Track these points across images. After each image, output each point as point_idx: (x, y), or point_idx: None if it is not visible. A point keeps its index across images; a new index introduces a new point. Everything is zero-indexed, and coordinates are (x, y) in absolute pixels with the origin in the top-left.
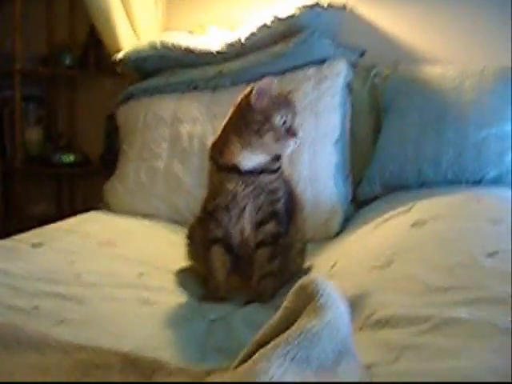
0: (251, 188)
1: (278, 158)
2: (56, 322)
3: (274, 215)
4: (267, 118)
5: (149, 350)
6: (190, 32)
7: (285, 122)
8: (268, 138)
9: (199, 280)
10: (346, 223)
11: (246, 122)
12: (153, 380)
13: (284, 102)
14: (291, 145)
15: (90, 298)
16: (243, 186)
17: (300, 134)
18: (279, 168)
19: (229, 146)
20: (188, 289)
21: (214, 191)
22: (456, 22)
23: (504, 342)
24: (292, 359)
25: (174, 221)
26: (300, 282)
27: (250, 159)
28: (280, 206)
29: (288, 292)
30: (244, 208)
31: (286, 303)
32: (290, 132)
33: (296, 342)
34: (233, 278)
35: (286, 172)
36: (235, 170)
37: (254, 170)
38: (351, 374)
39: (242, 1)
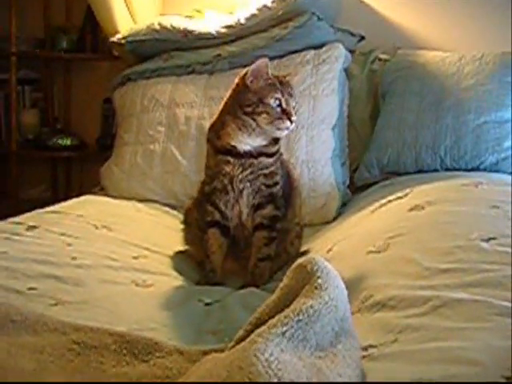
0: (248, 171)
1: (275, 141)
2: (52, 303)
3: (271, 199)
4: (261, 99)
5: (144, 332)
6: (188, 16)
7: (280, 104)
8: (262, 119)
9: (195, 264)
10: (343, 208)
11: (240, 104)
12: (149, 361)
13: (279, 83)
14: (286, 127)
15: (86, 280)
16: (240, 169)
17: (295, 117)
18: (277, 151)
19: (225, 128)
20: (184, 272)
21: (212, 174)
22: (455, 7)
23: (502, 322)
24: (290, 338)
25: (170, 204)
26: (298, 261)
27: (245, 141)
28: (277, 189)
29: (284, 276)
30: (241, 191)
31: (283, 282)
32: (285, 114)
33: (294, 321)
34: (229, 261)
35: (285, 156)
36: (232, 152)
37: (251, 152)
38: (350, 354)
39: None
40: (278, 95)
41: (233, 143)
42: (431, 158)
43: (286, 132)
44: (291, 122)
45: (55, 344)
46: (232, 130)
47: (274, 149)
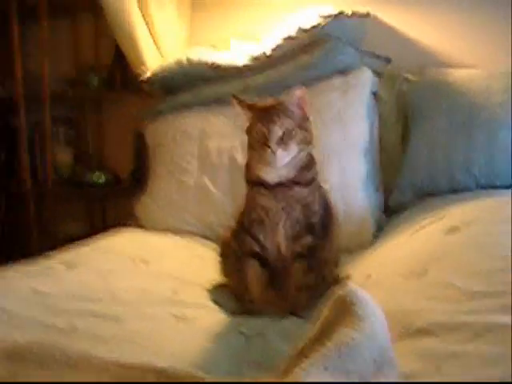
0: (283, 202)
1: (305, 169)
2: (92, 340)
3: (310, 228)
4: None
5: (185, 366)
6: (213, 46)
7: (284, 132)
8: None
9: (233, 296)
10: (379, 232)
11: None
12: None
13: (264, 112)
14: (276, 155)
15: (126, 316)
16: (274, 201)
17: (275, 146)
18: (312, 180)
19: (250, 162)
20: (223, 305)
21: (249, 206)
22: (481, 25)
23: None
24: (332, 372)
25: (206, 236)
26: (337, 293)
27: (270, 173)
28: (316, 219)
29: (323, 304)
30: (277, 223)
31: (323, 315)
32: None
33: (335, 355)
34: (268, 291)
35: (324, 186)
36: (263, 184)
37: (282, 183)
38: None
39: (264, 13)
40: (262, 125)
41: (261, 175)
42: (465, 178)
43: (281, 160)
44: (272, 150)
45: (97, 381)
46: (255, 163)
47: (306, 177)
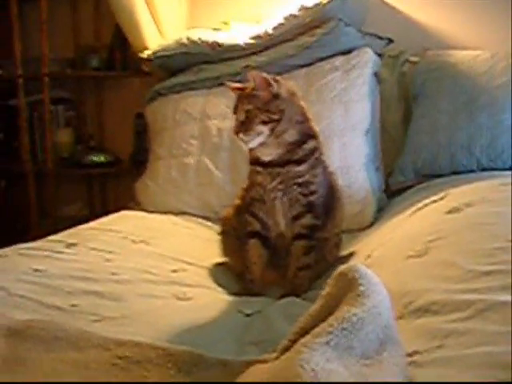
0: (277, 180)
1: (297, 146)
2: (94, 319)
3: (309, 208)
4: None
5: (187, 344)
6: (215, 29)
7: (247, 115)
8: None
9: (234, 275)
10: (380, 213)
11: None
12: (192, 374)
13: (243, 95)
14: (240, 139)
15: (126, 295)
16: (269, 179)
17: (242, 134)
18: (306, 157)
19: None
20: (223, 284)
21: (250, 184)
22: (483, 6)
23: None
24: (335, 347)
25: (206, 216)
26: (339, 269)
27: (263, 151)
28: (315, 198)
29: (324, 284)
30: (274, 201)
31: (325, 291)
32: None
33: (338, 330)
34: (268, 271)
35: (331, 167)
36: (258, 162)
37: (275, 161)
38: (396, 361)
39: None
40: (242, 107)
41: (257, 154)
42: (467, 159)
43: (246, 145)
44: (236, 134)
45: (99, 360)
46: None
47: (298, 155)
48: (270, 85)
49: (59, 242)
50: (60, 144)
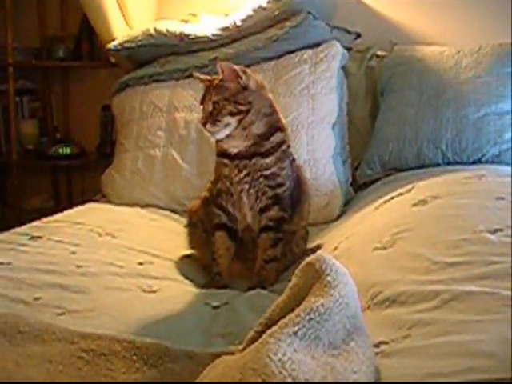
0: (244, 173)
1: (264, 138)
2: (58, 312)
3: (276, 200)
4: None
5: (153, 337)
6: (183, 20)
7: (215, 106)
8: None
9: (201, 267)
10: (347, 206)
11: None
12: (159, 366)
13: (211, 86)
14: (207, 130)
15: (92, 288)
16: (236, 171)
17: (209, 125)
18: (273, 150)
19: None
20: (189, 276)
21: (216, 176)
22: (450, 2)
23: None
24: (302, 337)
25: (173, 209)
26: (306, 260)
27: (230, 143)
28: (283, 190)
29: (291, 277)
30: (241, 193)
31: (292, 282)
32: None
33: (305, 320)
34: (235, 263)
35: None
36: (225, 154)
37: (242, 153)
38: (364, 351)
39: None
40: (209, 99)
41: (222, 146)
42: (433, 153)
43: (214, 136)
44: (203, 126)
45: (64, 353)
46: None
47: (265, 147)
48: (239, 76)
49: (23, 234)
50: (25, 135)
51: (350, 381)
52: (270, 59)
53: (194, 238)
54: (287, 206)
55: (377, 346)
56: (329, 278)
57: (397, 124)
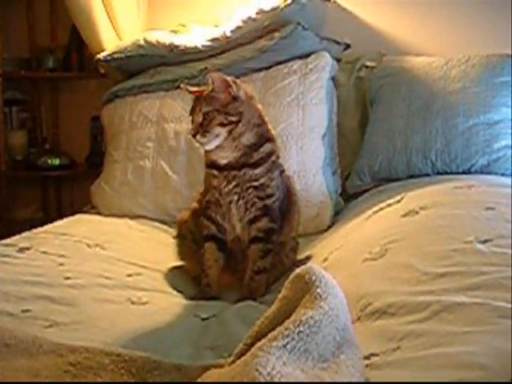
0: (233, 184)
1: (253, 149)
2: (46, 324)
3: (266, 211)
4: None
5: (141, 350)
6: (173, 31)
7: (205, 116)
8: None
9: (190, 279)
10: (337, 217)
11: None
12: (147, 379)
13: (201, 96)
14: (197, 141)
15: (80, 300)
16: (225, 182)
17: (199, 136)
18: (262, 161)
19: None
20: (179, 288)
21: (206, 187)
22: (439, 12)
23: (505, 324)
24: (291, 350)
25: (162, 221)
26: (296, 271)
27: (219, 154)
28: (272, 201)
29: (280, 288)
30: (230, 204)
31: (282, 294)
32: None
33: (295, 333)
34: (225, 275)
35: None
36: (215, 165)
37: (231, 164)
38: (354, 364)
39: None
40: (198, 111)
41: (211, 157)
42: (422, 163)
43: (203, 147)
44: (193, 136)
45: (51, 366)
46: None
47: (254, 158)
48: (229, 86)
49: (11, 245)
50: (14, 146)
51: None
52: (260, 70)
53: (183, 250)
54: (276, 217)
55: (367, 357)
56: (318, 290)
57: (386, 134)
